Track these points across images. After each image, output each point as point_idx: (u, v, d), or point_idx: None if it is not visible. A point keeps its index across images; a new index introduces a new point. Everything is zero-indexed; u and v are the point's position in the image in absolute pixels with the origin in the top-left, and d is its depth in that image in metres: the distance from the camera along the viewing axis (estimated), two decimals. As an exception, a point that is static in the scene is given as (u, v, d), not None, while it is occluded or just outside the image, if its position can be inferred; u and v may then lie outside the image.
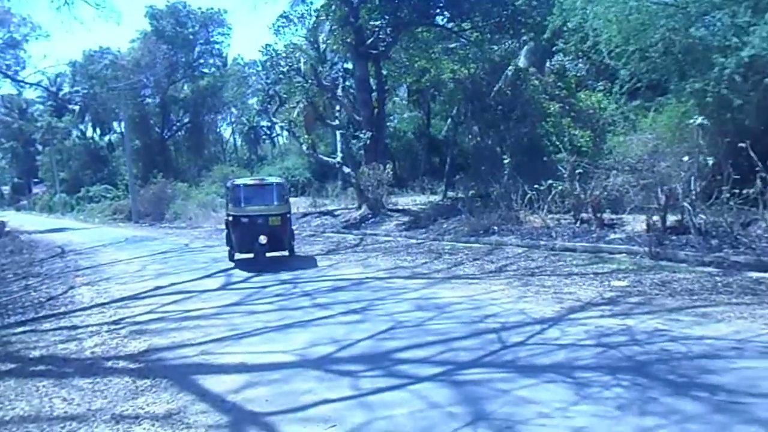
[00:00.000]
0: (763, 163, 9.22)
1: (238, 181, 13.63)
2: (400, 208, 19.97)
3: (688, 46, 11.66)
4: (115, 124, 48.23)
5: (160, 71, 37.39)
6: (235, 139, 53.54)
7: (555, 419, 4.08)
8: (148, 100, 38.71)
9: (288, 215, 13.05)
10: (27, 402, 5.27)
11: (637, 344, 5.53)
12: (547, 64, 22.38)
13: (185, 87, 40.39)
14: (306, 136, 23.42)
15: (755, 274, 7.96)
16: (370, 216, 18.95)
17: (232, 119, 49.63)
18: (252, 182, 13.70)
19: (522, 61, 22.29)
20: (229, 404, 4.95)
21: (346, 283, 10.02)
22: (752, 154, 9.36)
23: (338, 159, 21.93)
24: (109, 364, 6.32)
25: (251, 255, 12.45)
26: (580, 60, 21.66)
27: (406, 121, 31.99)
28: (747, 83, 10.80)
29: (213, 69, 40.79)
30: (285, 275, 11.13)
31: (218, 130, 51.02)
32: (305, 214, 22.46)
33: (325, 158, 23.53)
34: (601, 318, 6.57)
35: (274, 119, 25.93)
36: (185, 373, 5.83)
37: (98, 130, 53.13)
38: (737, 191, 9.58)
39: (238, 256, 13.03)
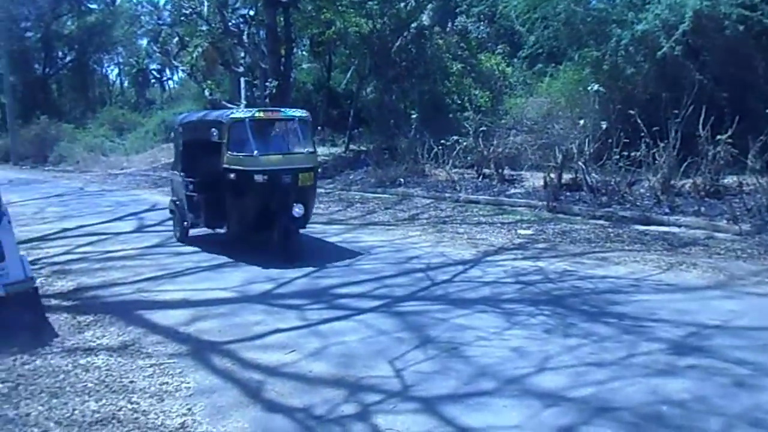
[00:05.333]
0: (648, 130, 10.26)
1: (240, 115, 8.14)
2: (305, 158, 20.06)
3: (589, 18, 12.60)
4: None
5: (44, 4, 34.43)
6: (121, 80, 50.64)
7: (493, 341, 4.67)
8: (29, 34, 35.58)
9: (318, 171, 8.86)
10: (-38, 336, 5.20)
11: (551, 282, 6.27)
12: (449, 24, 23.01)
13: (70, 23, 37.47)
14: (209, 82, 22.76)
15: (640, 227, 8.99)
16: (275, 165, 18.91)
17: (120, 60, 46.84)
18: (264, 116, 8.39)
19: (425, 20, 22.79)
20: (183, 335, 5.15)
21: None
22: (639, 121, 10.38)
23: (242, 106, 21.52)
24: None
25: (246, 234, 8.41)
26: (482, 23, 22.50)
27: (305, 72, 31.65)
28: (638, 55, 11.89)
29: (102, 5, 38.05)
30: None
31: (105, 70, 48.02)
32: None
33: (229, 105, 23.00)
34: (516, 260, 7.29)
35: (175, 62, 24.92)
36: (127, 309, 5.92)
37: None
38: (625, 154, 10.61)
39: (193, 232, 9.13)
